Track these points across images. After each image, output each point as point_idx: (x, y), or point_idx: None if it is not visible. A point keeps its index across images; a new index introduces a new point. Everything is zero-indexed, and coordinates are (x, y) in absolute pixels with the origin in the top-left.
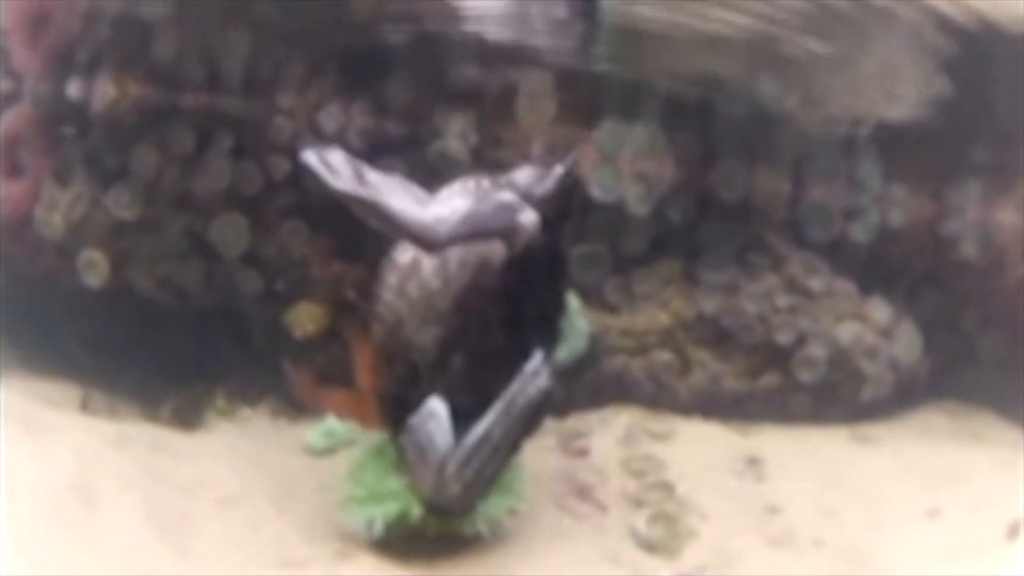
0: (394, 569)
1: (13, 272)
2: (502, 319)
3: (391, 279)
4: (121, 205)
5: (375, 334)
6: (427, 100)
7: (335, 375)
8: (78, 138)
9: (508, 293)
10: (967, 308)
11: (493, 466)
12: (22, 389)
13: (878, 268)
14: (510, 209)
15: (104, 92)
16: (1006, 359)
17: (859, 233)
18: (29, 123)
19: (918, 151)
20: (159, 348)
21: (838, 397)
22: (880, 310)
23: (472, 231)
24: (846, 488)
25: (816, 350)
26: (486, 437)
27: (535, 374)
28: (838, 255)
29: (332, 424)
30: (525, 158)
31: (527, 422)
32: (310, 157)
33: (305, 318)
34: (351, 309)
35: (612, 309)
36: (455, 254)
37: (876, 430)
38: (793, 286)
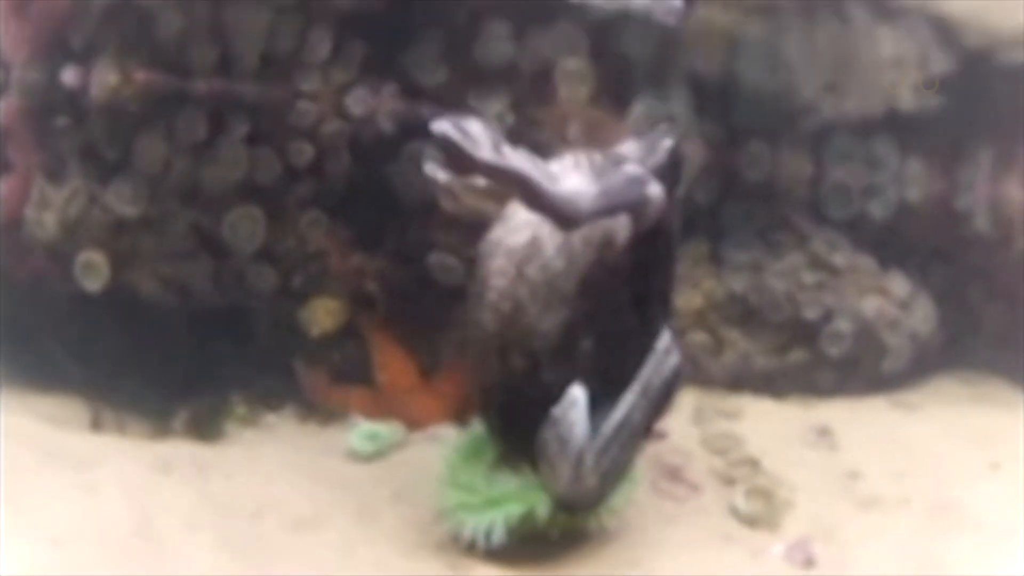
0: None
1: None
2: (632, 298)
3: (503, 263)
4: (123, 201)
5: (483, 325)
6: (460, 80)
7: (351, 374)
8: (73, 130)
9: (637, 270)
10: (973, 281)
11: (629, 454)
12: (22, 408)
13: (894, 243)
14: (640, 182)
15: (104, 78)
16: (1009, 329)
17: (878, 210)
18: (17, 115)
19: (930, 129)
20: (164, 355)
21: (861, 369)
22: (899, 284)
23: (609, 206)
24: (909, 450)
25: (843, 324)
26: (625, 423)
27: (667, 352)
28: (858, 232)
29: (373, 426)
30: (563, 140)
31: (662, 404)
32: (446, 127)
33: (322, 314)
34: (370, 303)
35: None
36: (579, 231)
37: (911, 398)
38: (817, 263)
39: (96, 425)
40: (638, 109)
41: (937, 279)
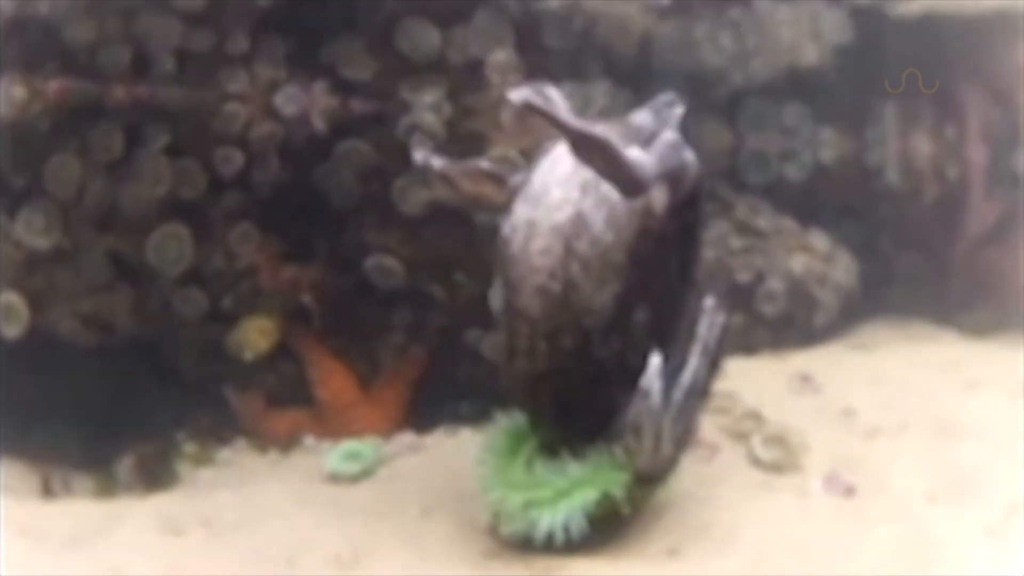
0: (615, 565)
1: None
2: (679, 263)
3: (546, 243)
4: (34, 232)
5: (527, 312)
6: (391, 72)
7: (289, 395)
8: None
9: (678, 235)
10: (885, 231)
11: (697, 417)
12: None
13: (810, 202)
14: (679, 148)
15: (11, 93)
16: (920, 274)
17: (794, 172)
18: None
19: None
20: (92, 399)
21: (795, 325)
22: (820, 240)
23: (663, 172)
24: (886, 383)
25: (775, 284)
26: (693, 387)
27: (715, 311)
28: (777, 195)
29: (352, 445)
30: (496, 127)
31: (718, 363)
32: (529, 94)
33: (256, 335)
34: (306, 317)
35: None
36: (622, 201)
37: (861, 341)
38: (743, 228)
39: (48, 490)
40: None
41: (851, 233)
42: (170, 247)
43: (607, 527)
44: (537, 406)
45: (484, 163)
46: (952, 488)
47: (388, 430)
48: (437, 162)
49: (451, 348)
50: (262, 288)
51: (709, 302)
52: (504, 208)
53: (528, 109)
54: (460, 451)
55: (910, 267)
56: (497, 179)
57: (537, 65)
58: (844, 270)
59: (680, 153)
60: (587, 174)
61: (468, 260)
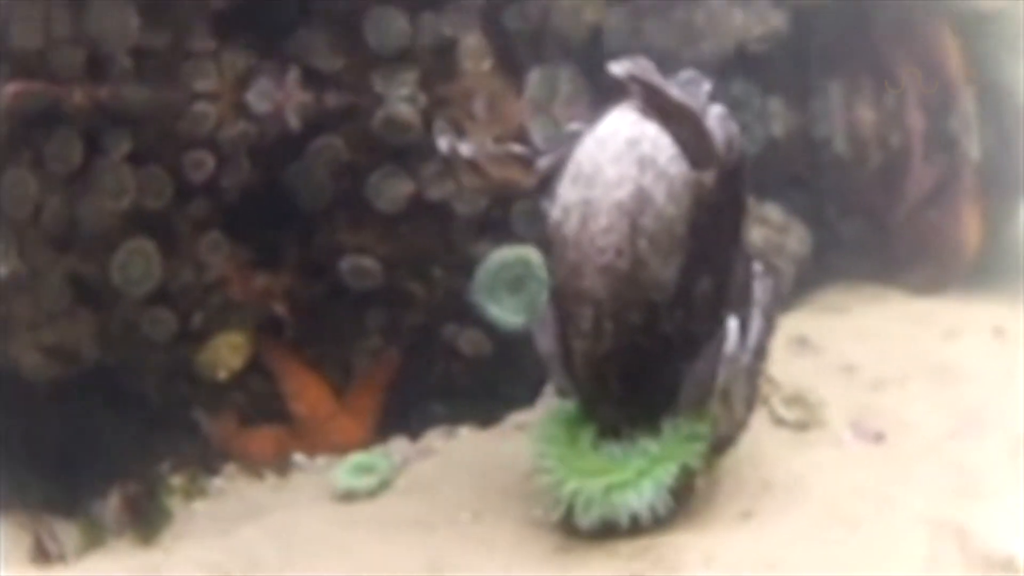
0: (700, 536)
1: None
2: (732, 231)
3: (609, 221)
4: None
5: (592, 292)
6: (362, 62)
7: (262, 412)
8: None
9: (732, 204)
10: (831, 200)
11: (760, 379)
12: None
13: (763, 175)
14: (727, 119)
15: None
16: (865, 239)
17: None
18: None
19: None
20: (64, 438)
21: None
22: (775, 212)
23: (722, 144)
24: (874, 339)
25: None
26: (759, 349)
27: (766, 275)
28: None
29: (359, 459)
30: (469, 116)
31: (773, 324)
32: (630, 67)
33: (228, 353)
34: (277, 329)
35: None
36: (681, 174)
37: (832, 303)
38: None
39: (43, 554)
40: (533, 79)
41: (800, 202)
42: (136, 265)
43: (686, 500)
44: (601, 387)
45: (513, 146)
46: (968, 424)
47: (367, 438)
48: (465, 149)
49: (427, 346)
50: (233, 301)
51: (759, 267)
52: (532, 192)
53: (631, 80)
54: (471, 451)
55: (854, 232)
56: (525, 162)
57: (502, 50)
58: (798, 240)
59: (729, 126)
60: (642, 151)
61: (445, 254)
